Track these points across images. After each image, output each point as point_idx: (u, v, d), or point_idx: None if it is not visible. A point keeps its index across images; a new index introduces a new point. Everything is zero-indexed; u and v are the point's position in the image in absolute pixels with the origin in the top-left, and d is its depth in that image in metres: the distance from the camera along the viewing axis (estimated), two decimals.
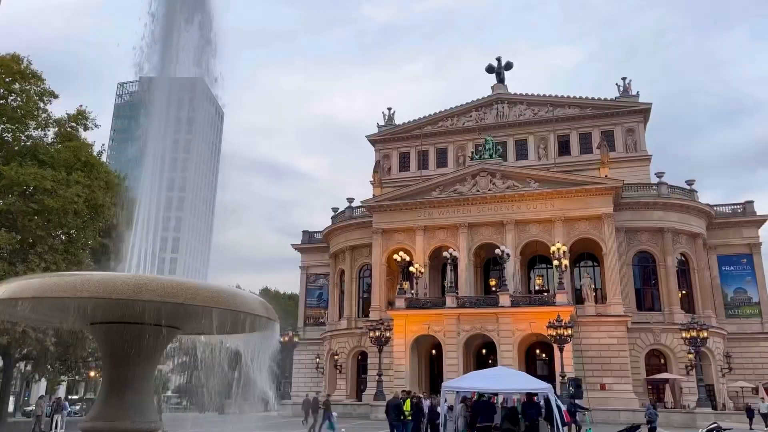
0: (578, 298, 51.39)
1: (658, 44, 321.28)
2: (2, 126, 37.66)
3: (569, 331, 40.72)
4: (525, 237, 52.90)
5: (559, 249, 46.10)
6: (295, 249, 69.65)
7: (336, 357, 58.30)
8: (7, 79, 36.44)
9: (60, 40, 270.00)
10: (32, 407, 50.08)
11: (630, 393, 45.52)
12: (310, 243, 68.79)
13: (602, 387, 45.87)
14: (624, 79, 64.11)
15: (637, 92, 63.67)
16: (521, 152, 65.15)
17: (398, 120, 71.52)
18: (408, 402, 24.85)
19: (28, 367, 53.36)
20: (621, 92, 63.89)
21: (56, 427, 36.31)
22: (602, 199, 50.99)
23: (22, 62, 36.70)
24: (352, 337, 57.85)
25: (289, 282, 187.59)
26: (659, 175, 54.84)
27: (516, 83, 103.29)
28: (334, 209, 65.51)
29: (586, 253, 54.87)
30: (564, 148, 64.04)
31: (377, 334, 45.04)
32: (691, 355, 43.85)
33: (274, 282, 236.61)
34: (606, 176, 52.89)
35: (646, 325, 49.99)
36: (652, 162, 62.12)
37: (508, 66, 69.65)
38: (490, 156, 55.73)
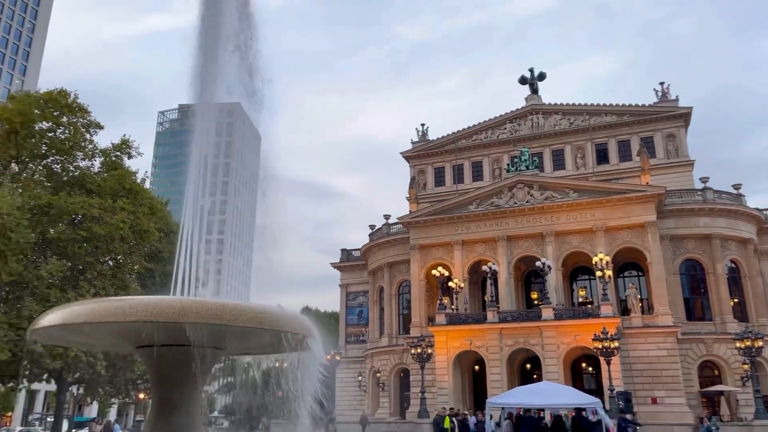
0: (624, 310, 50.09)
1: (696, 48, 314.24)
2: (52, 158, 39.32)
3: (616, 344, 39.66)
4: (566, 248, 51.99)
5: (601, 259, 45.13)
6: (334, 267, 70.02)
7: (378, 375, 58.08)
8: (56, 113, 38.13)
9: (104, 74, 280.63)
10: (85, 430, 51.32)
11: (684, 406, 43.94)
12: (348, 261, 69.05)
13: (653, 401, 44.40)
14: (662, 84, 62.80)
15: (677, 97, 62.24)
16: (558, 162, 64.29)
17: (432, 135, 71.62)
18: (447, 419, 24.59)
19: (81, 391, 54.82)
20: (659, 97, 62.51)
21: None
22: (644, 206, 49.79)
23: (69, 96, 38.33)
24: (394, 354, 57.60)
25: (330, 300, 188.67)
26: (704, 180, 53.31)
27: (550, 94, 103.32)
28: (371, 226, 65.73)
29: (629, 263, 53.50)
30: (602, 156, 62.93)
31: (419, 350, 44.73)
32: (746, 366, 42.12)
33: (315, 301, 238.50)
34: (647, 183, 51.69)
35: (696, 336, 48.30)
36: (696, 167, 60.46)
37: (542, 76, 69.10)
38: (527, 167, 55.15)
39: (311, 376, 9.61)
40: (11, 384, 44.58)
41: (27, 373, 39.13)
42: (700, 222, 51.34)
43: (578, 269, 55.41)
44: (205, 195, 11.60)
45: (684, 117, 61.14)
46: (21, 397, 75.87)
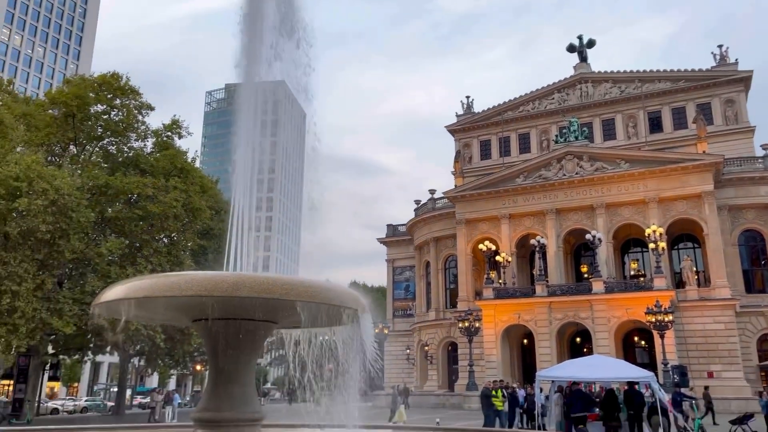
0: (678, 282, 48.72)
1: (757, 9, 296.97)
2: (107, 139, 40.71)
3: (670, 317, 38.73)
4: (617, 220, 50.74)
5: (654, 231, 43.87)
6: (381, 242, 70.47)
7: (426, 348, 58.59)
8: (109, 96, 39.34)
9: (153, 56, 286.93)
10: (147, 399, 53.77)
11: (741, 381, 42.74)
12: (394, 236, 69.32)
13: (710, 375, 43.30)
14: (720, 46, 59.78)
15: (736, 60, 59.16)
16: (609, 132, 62.38)
17: (477, 108, 70.46)
18: (500, 391, 24.57)
19: (142, 362, 57.41)
20: (718, 61, 59.55)
21: (168, 418, 38.95)
22: (701, 176, 47.94)
23: (121, 79, 39.43)
24: (441, 327, 57.90)
25: (377, 275, 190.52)
26: (765, 147, 50.84)
27: (600, 62, 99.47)
28: (417, 201, 65.67)
29: (684, 235, 51.83)
30: (655, 125, 60.68)
31: (466, 324, 44.80)
32: None
33: (362, 275, 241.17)
34: (704, 152, 49.67)
35: (756, 309, 46.65)
36: (757, 134, 57.65)
37: (591, 44, 66.77)
38: (576, 138, 53.77)
39: (362, 349, 9.77)
40: (77, 356, 47.13)
41: (92, 345, 41.25)
42: (761, 191, 49.14)
43: (630, 241, 54.08)
44: (253, 173, 11.77)
45: (744, 81, 58.18)
46: (86, 369, 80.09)
